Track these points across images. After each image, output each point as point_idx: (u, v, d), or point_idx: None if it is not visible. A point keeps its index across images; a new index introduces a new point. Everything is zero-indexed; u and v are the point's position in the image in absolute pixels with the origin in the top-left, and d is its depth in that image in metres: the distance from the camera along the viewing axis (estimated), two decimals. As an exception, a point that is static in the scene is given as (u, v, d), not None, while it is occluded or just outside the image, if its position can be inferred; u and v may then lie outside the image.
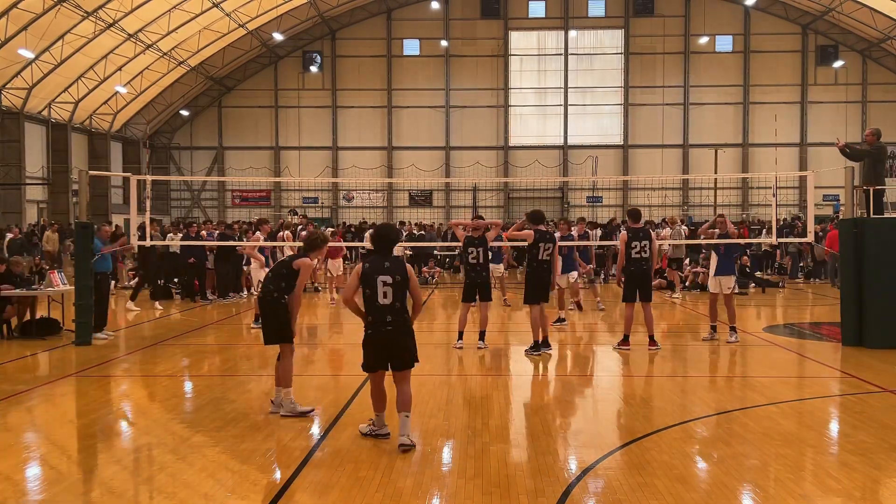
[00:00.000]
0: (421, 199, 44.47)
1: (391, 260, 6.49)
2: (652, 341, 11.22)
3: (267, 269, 14.51)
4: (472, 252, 11.22)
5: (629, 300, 11.26)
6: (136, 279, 18.58)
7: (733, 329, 11.91)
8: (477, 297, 11.34)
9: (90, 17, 30.97)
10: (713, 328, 12.18)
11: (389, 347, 6.45)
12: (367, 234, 28.78)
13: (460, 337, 11.40)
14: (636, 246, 11.18)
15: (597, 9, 43.99)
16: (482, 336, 11.36)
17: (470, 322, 11.73)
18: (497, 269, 16.51)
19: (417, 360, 6.64)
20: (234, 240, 19.13)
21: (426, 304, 17.56)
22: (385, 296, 6.35)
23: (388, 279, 6.36)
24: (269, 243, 17.21)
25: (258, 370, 10.34)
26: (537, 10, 44.13)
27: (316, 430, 7.29)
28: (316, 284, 21.02)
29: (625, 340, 11.27)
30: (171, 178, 44.24)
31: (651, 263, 11.38)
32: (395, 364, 6.51)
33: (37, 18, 29.36)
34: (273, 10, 39.00)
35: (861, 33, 41.65)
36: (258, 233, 16.68)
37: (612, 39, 44.10)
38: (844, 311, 11.77)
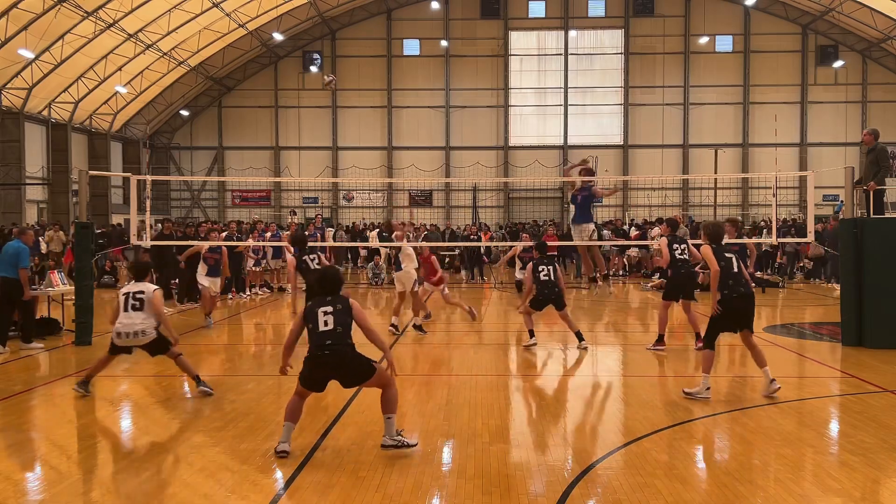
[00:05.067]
0: (421, 199, 44.46)
1: (334, 296, 6.47)
2: (699, 339, 11.07)
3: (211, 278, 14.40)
4: (542, 270, 11.52)
5: (670, 298, 11.41)
6: (175, 283, 18.27)
7: (605, 277, 12.32)
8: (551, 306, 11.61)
9: (90, 17, 30.96)
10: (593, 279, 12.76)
11: (328, 369, 6.32)
12: (370, 234, 28.85)
13: (532, 335, 11.74)
14: (678, 248, 11.33)
15: (597, 9, 43.97)
16: (580, 336, 11.54)
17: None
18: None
19: (375, 364, 6.37)
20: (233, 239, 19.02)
21: (426, 302, 17.53)
22: (326, 324, 6.28)
23: (329, 308, 6.35)
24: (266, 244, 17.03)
25: (258, 370, 10.35)
26: (537, 10, 44.12)
27: (316, 430, 7.29)
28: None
29: (660, 340, 11.30)
30: (171, 178, 44.21)
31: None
32: (345, 383, 6.45)
33: (37, 18, 29.34)
34: (273, 10, 38.98)
35: (861, 33, 41.64)
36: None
37: (612, 39, 44.09)
38: (844, 311, 11.77)
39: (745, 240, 12.56)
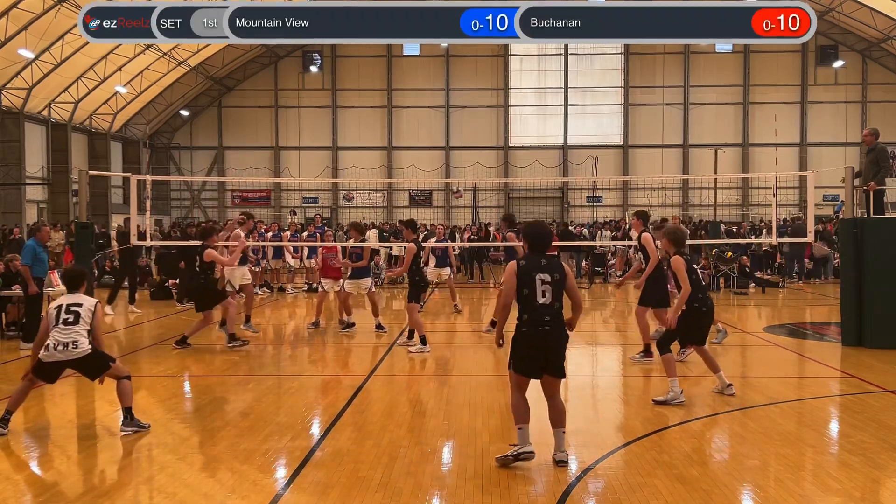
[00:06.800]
0: (421, 199, 44.46)
1: (548, 258, 6.11)
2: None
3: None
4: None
5: (647, 304, 10.49)
6: (174, 283, 18.23)
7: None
8: None
9: (90, 17, 30.94)
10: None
11: (545, 350, 5.99)
12: (369, 234, 28.84)
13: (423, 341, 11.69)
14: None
15: (597, 9, 43.95)
16: (423, 340, 11.40)
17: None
18: (444, 273, 16.77)
19: (565, 375, 6.17)
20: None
21: (427, 301, 17.56)
22: (544, 295, 5.94)
23: (547, 277, 5.96)
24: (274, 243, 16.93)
25: (258, 370, 10.35)
26: (537, 10, 44.09)
27: (316, 430, 7.30)
28: (316, 284, 20.98)
29: (648, 352, 10.51)
30: (171, 178, 44.23)
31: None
32: (549, 371, 6.05)
33: (37, 18, 29.35)
34: (273, 10, 38.96)
35: (861, 33, 41.63)
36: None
37: (612, 39, 44.11)
38: (844, 311, 11.77)
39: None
